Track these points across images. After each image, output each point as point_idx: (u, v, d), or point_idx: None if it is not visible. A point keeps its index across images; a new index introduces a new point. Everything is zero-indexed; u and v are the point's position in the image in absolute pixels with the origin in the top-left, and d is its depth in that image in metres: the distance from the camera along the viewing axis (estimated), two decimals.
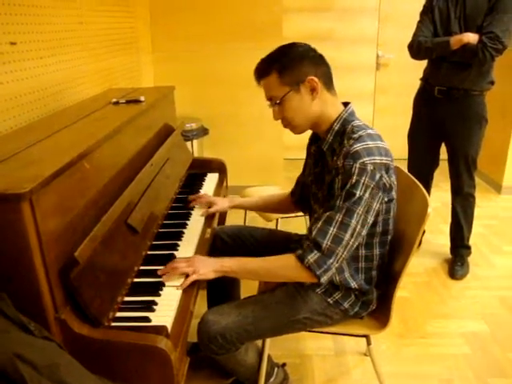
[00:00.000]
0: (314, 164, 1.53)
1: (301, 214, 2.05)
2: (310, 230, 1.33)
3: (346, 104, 1.42)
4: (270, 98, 1.38)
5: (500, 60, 2.38)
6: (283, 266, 1.35)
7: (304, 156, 1.66)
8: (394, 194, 1.38)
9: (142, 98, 1.96)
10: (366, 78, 4.60)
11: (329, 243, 1.27)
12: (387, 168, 1.30)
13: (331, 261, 1.28)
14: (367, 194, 1.27)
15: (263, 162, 3.78)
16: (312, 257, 1.28)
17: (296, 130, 1.42)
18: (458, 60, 2.39)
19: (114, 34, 2.76)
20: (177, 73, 3.57)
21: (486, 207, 3.61)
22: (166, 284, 1.37)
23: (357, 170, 1.25)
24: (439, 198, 3.51)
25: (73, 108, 1.94)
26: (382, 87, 4.63)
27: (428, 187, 2.75)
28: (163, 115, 2.21)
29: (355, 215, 1.27)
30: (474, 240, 2.80)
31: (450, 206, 2.73)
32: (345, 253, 1.30)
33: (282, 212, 1.89)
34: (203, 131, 3.46)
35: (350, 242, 1.29)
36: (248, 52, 3.31)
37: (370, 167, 1.25)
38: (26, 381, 0.79)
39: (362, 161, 1.26)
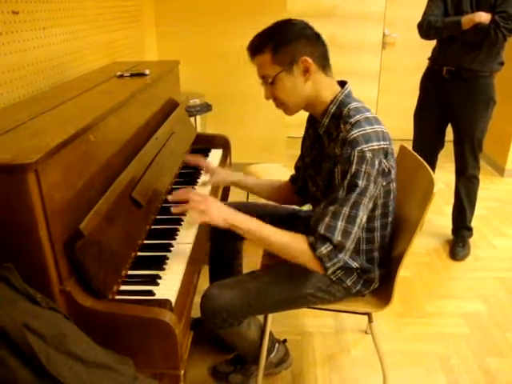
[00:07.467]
0: (310, 146, 1.50)
1: None
2: (315, 223, 1.28)
3: (343, 83, 1.38)
4: (262, 77, 1.34)
5: (511, 40, 2.34)
6: (295, 248, 1.30)
7: None
8: (392, 176, 1.35)
9: (147, 72, 1.94)
10: (372, 57, 4.53)
11: (339, 238, 1.25)
12: (386, 152, 1.28)
13: (342, 255, 1.28)
14: (369, 183, 1.25)
15: (266, 140, 3.76)
16: (326, 248, 1.26)
17: (288, 111, 1.38)
18: (469, 40, 2.34)
19: (118, 6, 2.71)
20: (180, 48, 3.52)
21: (489, 190, 3.60)
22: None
23: (356, 159, 1.23)
24: (443, 178, 3.51)
25: (77, 80, 1.92)
26: (387, 66, 4.56)
27: (433, 168, 2.73)
28: (168, 89, 2.19)
29: (361, 206, 1.26)
30: (475, 222, 2.80)
31: (453, 187, 2.72)
32: (353, 245, 1.29)
33: (281, 202, 1.80)
34: (206, 107, 3.42)
35: (358, 234, 1.29)
36: (253, 27, 3.23)
37: (368, 154, 1.23)
38: (34, 351, 0.79)
39: (360, 148, 1.22)
